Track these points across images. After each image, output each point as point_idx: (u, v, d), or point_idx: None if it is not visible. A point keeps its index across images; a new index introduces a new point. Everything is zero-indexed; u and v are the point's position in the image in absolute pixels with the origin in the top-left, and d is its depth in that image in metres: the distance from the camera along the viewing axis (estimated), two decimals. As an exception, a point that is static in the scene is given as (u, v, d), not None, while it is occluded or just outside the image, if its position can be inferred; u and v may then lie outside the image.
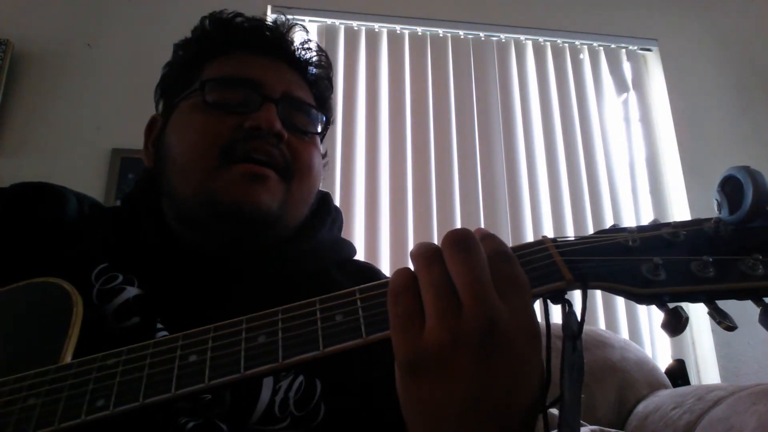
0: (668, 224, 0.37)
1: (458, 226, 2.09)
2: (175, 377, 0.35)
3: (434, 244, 0.36)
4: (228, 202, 0.56)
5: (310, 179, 0.64)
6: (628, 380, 1.40)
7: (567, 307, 0.36)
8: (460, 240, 0.34)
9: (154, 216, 0.62)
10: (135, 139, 1.98)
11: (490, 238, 0.36)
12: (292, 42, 0.68)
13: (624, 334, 2.02)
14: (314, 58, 0.70)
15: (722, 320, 0.33)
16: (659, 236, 0.36)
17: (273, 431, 0.51)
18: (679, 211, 2.25)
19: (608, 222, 2.21)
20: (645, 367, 1.47)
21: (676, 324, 0.34)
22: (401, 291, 0.34)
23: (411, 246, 2.04)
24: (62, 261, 0.55)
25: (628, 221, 2.23)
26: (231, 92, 0.61)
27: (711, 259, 0.34)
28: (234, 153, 0.57)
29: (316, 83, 0.70)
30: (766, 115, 2.43)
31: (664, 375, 1.50)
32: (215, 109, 0.60)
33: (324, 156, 0.71)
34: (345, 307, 0.37)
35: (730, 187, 0.35)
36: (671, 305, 0.35)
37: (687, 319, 0.34)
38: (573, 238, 0.38)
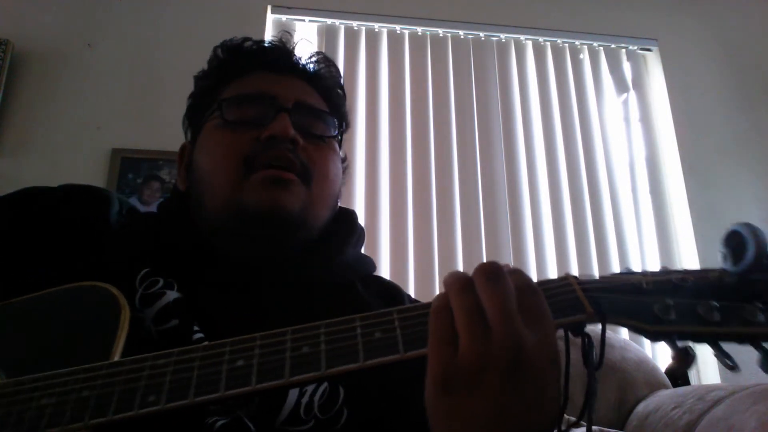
0: (678, 271, 0.41)
1: (458, 225, 2.11)
2: (224, 379, 0.38)
3: (466, 273, 0.39)
4: (254, 207, 0.59)
5: (328, 182, 0.67)
6: (628, 380, 1.40)
7: (587, 341, 0.40)
8: (490, 271, 0.38)
9: (188, 226, 0.65)
10: (135, 139, 2.00)
11: (518, 273, 0.40)
12: (300, 57, 0.73)
13: (624, 334, 2.02)
14: (323, 70, 0.74)
15: (726, 360, 0.36)
16: (669, 280, 0.40)
17: None
18: (679, 211, 2.25)
19: (608, 222, 2.21)
20: (645, 367, 1.47)
21: (683, 359, 0.37)
22: (440, 313, 0.38)
23: (411, 248, 2.05)
24: (108, 266, 0.57)
25: (628, 221, 2.24)
26: (247, 108, 0.65)
27: (717, 305, 0.37)
28: (255, 164, 0.61)
29: (327, 92, 0.74)
30: (766, 115, 2.43)
31: (664, 375, 1.50)
32: (234, 125, 0.64)
33: (344, 161, 0.75)
34: (384, 325, 0.40)
35: (733, 242, 0.38)
36: (680, 344, 0.38)
37: (694, 357, 0.37)
38: (593, 278, 0.42)
